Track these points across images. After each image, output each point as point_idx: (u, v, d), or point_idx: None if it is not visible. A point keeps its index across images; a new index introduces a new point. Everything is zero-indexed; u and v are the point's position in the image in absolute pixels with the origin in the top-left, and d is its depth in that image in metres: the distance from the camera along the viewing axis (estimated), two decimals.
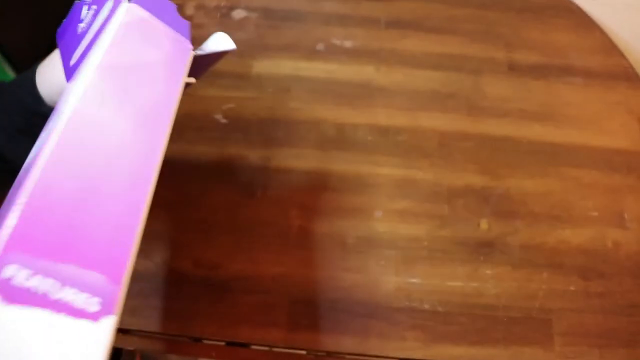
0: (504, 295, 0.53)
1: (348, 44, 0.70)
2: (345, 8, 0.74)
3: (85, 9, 0.35)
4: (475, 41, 0.71)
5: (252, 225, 0.56)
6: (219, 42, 0.38)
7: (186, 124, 0.62)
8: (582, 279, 0.55)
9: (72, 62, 0.33)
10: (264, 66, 0.68)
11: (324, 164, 0.61)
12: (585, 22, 0.74)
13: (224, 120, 0.63)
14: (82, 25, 0.34)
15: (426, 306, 0.53)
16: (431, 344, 0.51)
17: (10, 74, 0.64)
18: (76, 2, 0.37)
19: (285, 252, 0.55)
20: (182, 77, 0.33)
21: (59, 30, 0.38)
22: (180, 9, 0.72)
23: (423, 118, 0.64)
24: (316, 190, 0.59)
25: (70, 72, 0.33)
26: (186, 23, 0.36)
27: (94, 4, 0.34)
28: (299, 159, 0.61)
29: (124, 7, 0.32)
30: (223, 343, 0.52)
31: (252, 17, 0.72)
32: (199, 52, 0.37)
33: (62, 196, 0.24)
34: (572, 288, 0.54)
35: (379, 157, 0.61)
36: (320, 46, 0.70)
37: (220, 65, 0.67)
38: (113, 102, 0.28)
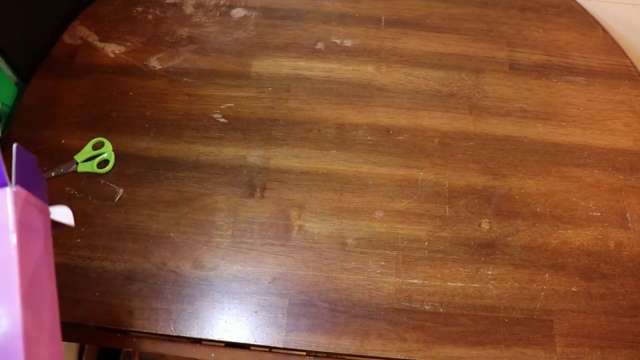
0: (505, 296, 0.53)
1: (348, 43, 0.70)
2: (345, 7, 0.73)
3: None
4: (476, 40, 0.71)
5: (251, 225, 0.56)
6: (63, 215, 0.42)
7: (185, 124, 0.62)
8: (584, 280, 0.54)
9: None
10: (263, 65, 0.67)
11: (324, 164, 0.60)
12: (587, 21, 0.74)
13: (223, 120, 0.63)
14: None
15: (427, 307, 0.52)
16: (432, 345, 0.51)
17: (9, 73, 0.64)
18: None
19: (285, 252, 0.55)
20: (51, 249, 0.32)
21: None
22: (179, 8, 0.71)
23: (424, 118, 0.64)
24: (316, 190, 0.58)
25: None
26: (42, 177, 0.34)
27: None
28: (298, 159, 0.60)
29: (9, 195, 0.28)
30: (222, 344, 0.52)
31: (252, 15, 0.71)
32: (52, 218, 0.36)
33: None
34: (574, 289, 0.54)
35: (379, 157, 0.61)
36: (320, 45, 0.70)
37: (219, 65, 0.67)
38: (38, 337, 0.28)
